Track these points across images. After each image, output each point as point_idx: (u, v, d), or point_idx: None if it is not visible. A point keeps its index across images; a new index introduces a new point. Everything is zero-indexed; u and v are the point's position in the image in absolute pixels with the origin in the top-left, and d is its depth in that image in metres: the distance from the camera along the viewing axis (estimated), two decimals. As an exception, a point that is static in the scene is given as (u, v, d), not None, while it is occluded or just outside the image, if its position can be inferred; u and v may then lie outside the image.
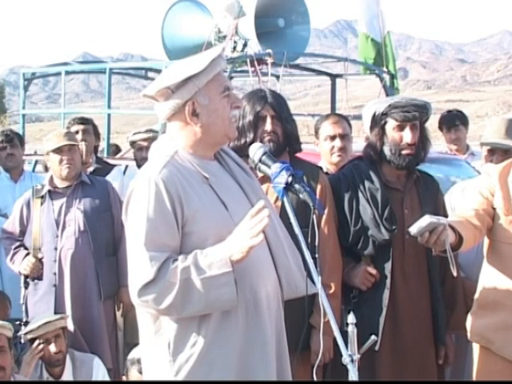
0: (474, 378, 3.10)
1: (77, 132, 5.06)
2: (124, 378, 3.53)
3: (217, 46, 6.64)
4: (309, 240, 2.26)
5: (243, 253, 2.15)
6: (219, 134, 2.35)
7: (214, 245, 2.21)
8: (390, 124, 3.20)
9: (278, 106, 3.15)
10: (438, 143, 7.20)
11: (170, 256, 2.19)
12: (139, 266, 2.19)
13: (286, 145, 3.18)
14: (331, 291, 3.07)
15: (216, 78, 2.32)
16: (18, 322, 4.05)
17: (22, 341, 3.86)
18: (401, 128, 3.19)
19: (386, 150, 3.21)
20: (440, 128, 5.77)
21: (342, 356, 2.14)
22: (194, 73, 2.28)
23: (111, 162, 5.66)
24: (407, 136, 3.18)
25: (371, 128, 3.26)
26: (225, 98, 2.33)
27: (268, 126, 3.12)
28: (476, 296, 3.04)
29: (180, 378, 2.23)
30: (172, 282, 2.14)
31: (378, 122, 3.22)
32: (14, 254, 4.23)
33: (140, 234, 2.19)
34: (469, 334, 3.05)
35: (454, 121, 5.69)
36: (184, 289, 2.14)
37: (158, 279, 2.15)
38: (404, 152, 3.19)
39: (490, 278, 2.97)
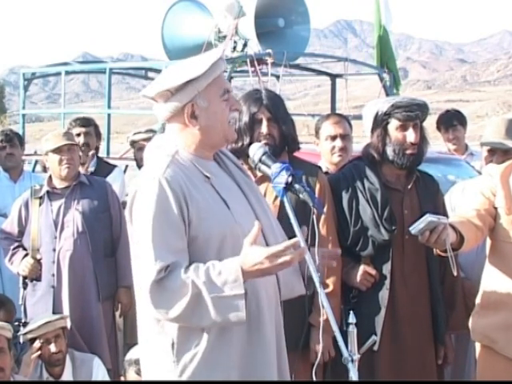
0: (477, 378, 3.09)
1: (78, 134, 5.05)
2: (122, 379, 3.53)
3: (217, 46, 6.66)
4: (308, 239, 2.25)
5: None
6: (218, 137, 2.35)
7: (217, 244, 2.21)
8: (393, 124, 3.19)
9: (274, 107, 3.13)
10: (438, 143, 7.19)
11: (179, 261, 2.15)
12: (146, 267, 2.15)
13: (284, 146, 3.16)
14: (330, 290, 3.07)
15: (216, 81, 2.30)
16: (16, 323, 4.04)
17: (22, 341, 3.86)
18: (404, 128, 3.18)
19: (389, 150, 3.19)
20: (438, 128, 5.74)
21: (342, 355, 2.13)
22: (195, 76, 2.26)
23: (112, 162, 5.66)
24: (411, 135, 3.17)
25: (373, 129, 3.25)
26: (224, 101, 2.32)
27: (264, 129, 3.10)
28: (478, 295, 3.04)
29: (184, 378, 2.22)
30: (183, 293, 2.11)
31: (379, 122, 3.21)
32: (13, 254, 4.22)
33: (146, 236, 2.16)
34: (471, 334, 3.04)
35: (451, 121, 5.66)
36: (194, 303, 2.11)
37: (167, 285, 2.12)
38: (408, 152, 3.18)
39: (492, 277, 2.97)
